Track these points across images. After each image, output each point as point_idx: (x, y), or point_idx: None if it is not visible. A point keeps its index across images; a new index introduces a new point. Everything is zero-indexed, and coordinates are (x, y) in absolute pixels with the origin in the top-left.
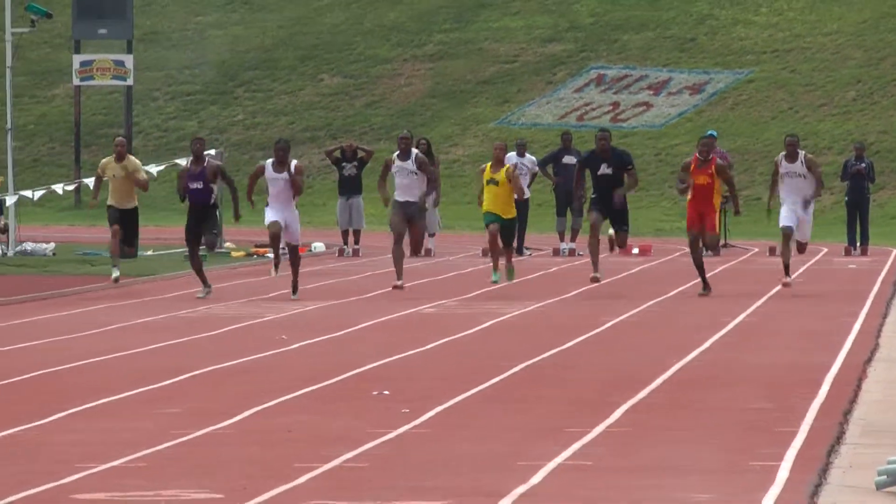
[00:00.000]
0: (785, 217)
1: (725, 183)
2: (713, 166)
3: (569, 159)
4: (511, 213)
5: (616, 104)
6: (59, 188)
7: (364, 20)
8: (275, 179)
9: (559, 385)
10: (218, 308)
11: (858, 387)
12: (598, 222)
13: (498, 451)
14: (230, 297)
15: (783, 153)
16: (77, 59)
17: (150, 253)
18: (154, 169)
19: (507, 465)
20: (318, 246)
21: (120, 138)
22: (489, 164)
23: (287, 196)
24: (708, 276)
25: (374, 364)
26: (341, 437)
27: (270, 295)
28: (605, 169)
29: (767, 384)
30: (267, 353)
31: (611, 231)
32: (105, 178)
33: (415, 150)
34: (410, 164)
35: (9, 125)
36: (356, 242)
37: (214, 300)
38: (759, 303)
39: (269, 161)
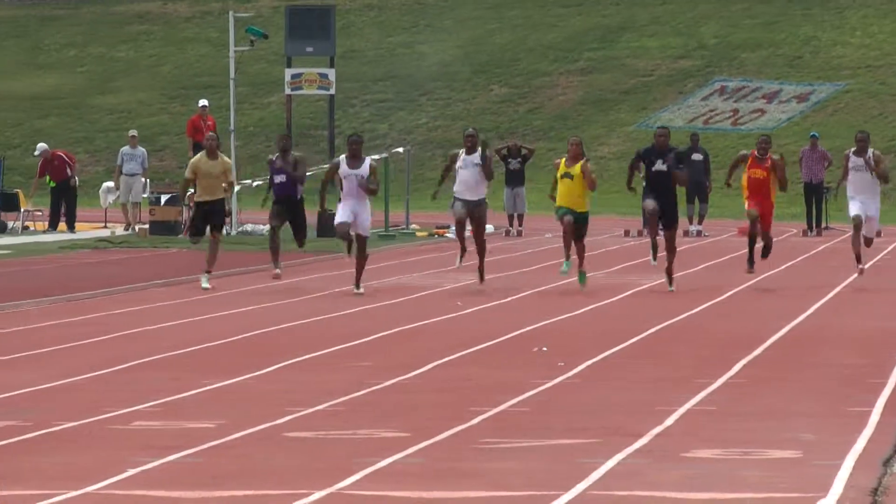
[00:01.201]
0: (854, 208)
1: (778, 178)
2: (769, 162)
3: (696, 156)
4: (584, 206)
5: (735, 111)
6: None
7: (527, 41)
8: (349, 176)
9: (688, 343)
10: (404, 279)
11: None
12: (656, 210)
13: (637, 397)
14: (414, 270)
15: (853, 148)
16: (288, 73)
17: None
18: None
19: (646, 409)
20: (489, 228)
21: (212, 134)
22: (563, 158)
23: (360, 191)
24: (810, 254)
25: (535, 325)
26: (508, 385)
27: (448, 268)
28: (660, 165)
29: (861, 343)
30: (445, 317)
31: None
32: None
33: (479, 149)
34: (477, 158)
35: (232, 127)
36: (520, 225)
37: (401, 272)
38: (853, 276)
39: (342, 157)
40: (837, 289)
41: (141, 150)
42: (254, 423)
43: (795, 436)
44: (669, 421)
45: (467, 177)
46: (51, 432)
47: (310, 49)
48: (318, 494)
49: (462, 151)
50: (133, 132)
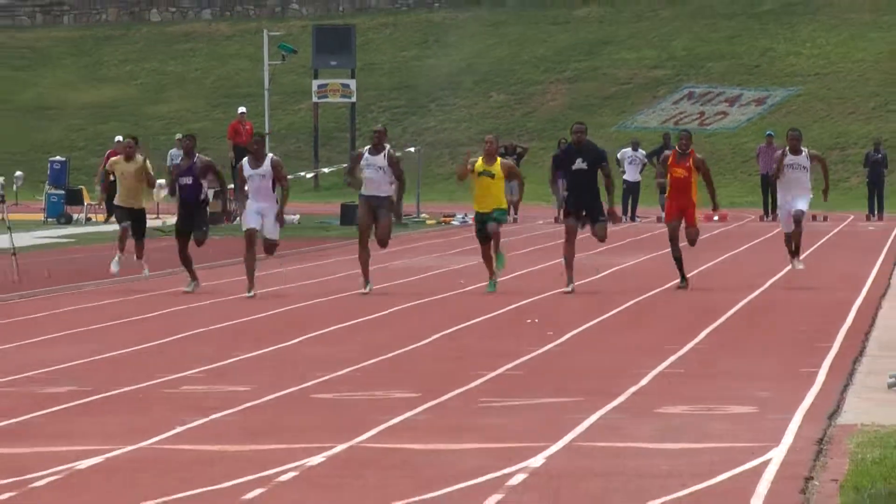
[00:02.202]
0: (784, 224)
1: (703, 177)
2: (691, 160)
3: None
4: (502, 203)
5: (702, 113)
6: (303, 174)
7: (521, 54)
8: (252, 176)
9: (659, 315)
10: (414, 261)
11: (875, 315)
12: (575, 230)
13: (615, 362)
14: (423, 253)
15: (787, 147)
16: (315, 83)
17: None
18: None
19: (623, 372)
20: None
21: (129, 139)
22: (481, 156)
23: (266, 191)
24: (767, 236)
25: (527, 301)
26: (504, 352)
27: (453, 251)
28: (580, 164)
29: (810, 313)
30: (450, 293)
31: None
32: (113, 178)
33: (387, 146)
34: (381, 160)
35: (267, 130)
36: (515, 212)
37: (412, 254)
38: (803, 255)
39: (245, 159)
40: (789, 266)
41: None
42: (284, 387)
43: (752, 394)
44: (644, 382)
45: (371, 175)
46: (109, 396)
47: (334, 63)
48: (340, 447)
49: (367, 150)
50: (180, 136)
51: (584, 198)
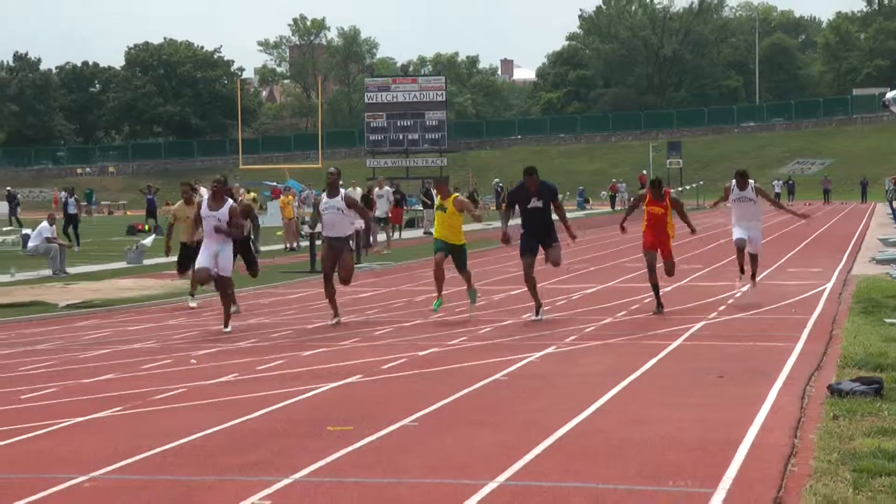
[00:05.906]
0: (737, 233)
1: (677, 212)
2: (667, 199)
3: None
4: (458, 239)
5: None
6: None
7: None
8: (208, 217)
9: (778, 246)
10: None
11: (863, 239)
12: (532, 264)
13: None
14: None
15: (734, 181)
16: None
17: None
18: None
19: (765, 264)
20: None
21: (185, 186)
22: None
23: (220, 234)
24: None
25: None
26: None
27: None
28: (535, 202)
29: (834, 238)
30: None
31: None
32: (174, 223)
33: (342, 190)
34: (339, 202)
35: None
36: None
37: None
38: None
39: (205, 198)
40: (836, 219)
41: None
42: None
43: (819, 265)
44: (777, 264)
45: (331, 218)
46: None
47: (674, 153)
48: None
49: (324, 194)
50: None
51: (540, 231)
